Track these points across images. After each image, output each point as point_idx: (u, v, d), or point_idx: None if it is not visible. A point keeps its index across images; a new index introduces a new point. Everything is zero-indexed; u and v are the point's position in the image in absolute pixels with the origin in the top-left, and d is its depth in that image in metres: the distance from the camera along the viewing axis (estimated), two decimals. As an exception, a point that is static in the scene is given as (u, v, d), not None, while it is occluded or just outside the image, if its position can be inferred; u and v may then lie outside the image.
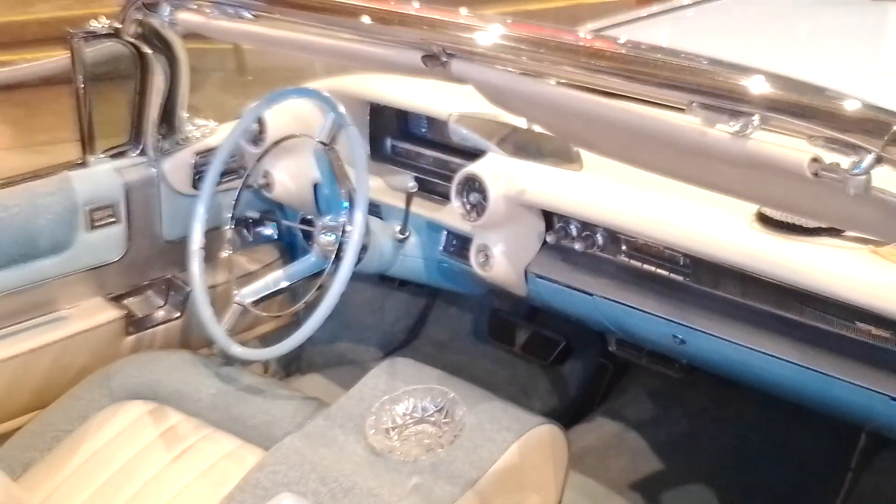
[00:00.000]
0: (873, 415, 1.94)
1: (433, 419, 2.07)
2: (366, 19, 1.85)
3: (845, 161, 1.32)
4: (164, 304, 2.60)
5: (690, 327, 2.15)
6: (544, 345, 2.64)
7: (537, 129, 2.34)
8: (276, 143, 2.46)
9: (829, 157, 1.35)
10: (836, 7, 3.39)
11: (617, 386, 2.57)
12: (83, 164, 2.48)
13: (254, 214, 2.60)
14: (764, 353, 2.04)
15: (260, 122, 2.49)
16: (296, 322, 2.44)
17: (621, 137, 1.80)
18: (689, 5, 3.39)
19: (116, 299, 2.52)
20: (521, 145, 2.35)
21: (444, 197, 2.42)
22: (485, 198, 2.29)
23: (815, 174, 1.34)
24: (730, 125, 1.40)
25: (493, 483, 1.96)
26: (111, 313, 2.46)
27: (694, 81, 1.46)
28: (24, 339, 2.37)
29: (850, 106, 1.35)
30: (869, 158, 1.29)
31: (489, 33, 1.73)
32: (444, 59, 1.76)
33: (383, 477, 1.96)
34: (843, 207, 1.50)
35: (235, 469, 2.07)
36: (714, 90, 1.45)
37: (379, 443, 2.02)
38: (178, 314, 2.59)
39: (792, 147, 1.39)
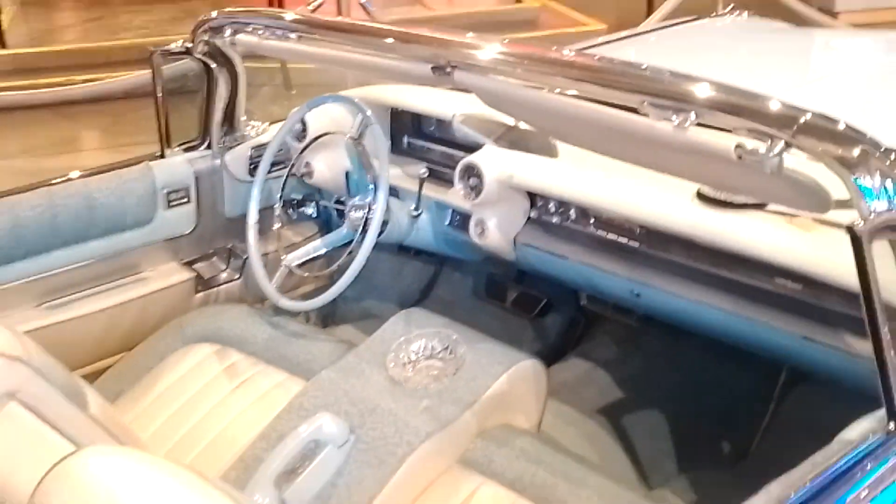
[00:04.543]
0: (790, 353, 1.95)
1: (440, 356, 2.09)
2: (388, 40, 1.89)
3: (763, 147, 1.36)
4: (226, 268, 2.60)
5: (644, 284, 2.17)
6: (529, 301, 2.66)
7: (523, 126, 2.35)
8: (315, 139, 2.48)
9: (751, 144, 1.39)
10: (769, 34, 3.35)
11: (588, 334, 2.57)
12: (161, 156, 2.49)
13: (297, 196, 2.60)
14: (703, 303, 2.06)
15: (302, 122, 2.50)
16: (331, 282, 2.42)
17: (589, 131, 1.83)
18: (650, 31, 3.47)
19: (188, 264, 2.53)
20: (511, 140, 2.37)
21: (449, 182, 2.43)
22: (481, 182, 2.31)
23: (740, 157, 1.38)
24: (672, 120, 1.44)
25: (487, 405, 1.98)
26: (184, 275, 2.48)
27: (645, 86, 1.50)
28: (115, 295, 2.38)
29: (767, 104, 1.40)
30: (781, 144, 1.33)
31: (487, 50, 1.75)
32: (449, 70, 1.78)
33: (400, 401, 1.99)
34: (763, 185, 1.54)
35: (283, 396, 2.10)
36: (660, 92, 1.49)
37: (397, 374, 2.05)
38: (238, 276, 2.59)
39: (721, 136, 1.44)
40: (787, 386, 1.41)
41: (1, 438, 1.46)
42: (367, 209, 2.41)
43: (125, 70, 5.70)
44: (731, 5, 3.63)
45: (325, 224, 2.61)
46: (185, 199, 2.48)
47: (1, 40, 7.03)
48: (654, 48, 3.11)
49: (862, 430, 1.35)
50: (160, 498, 1.21)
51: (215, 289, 2.56)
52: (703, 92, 1.46)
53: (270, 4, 7.70)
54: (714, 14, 3.59)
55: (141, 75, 5.46)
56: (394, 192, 2.53)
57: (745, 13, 3.52)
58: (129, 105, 5.28)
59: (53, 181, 2.32)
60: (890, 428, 1.34)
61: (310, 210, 2.63)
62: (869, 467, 1.31)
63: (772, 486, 1.26)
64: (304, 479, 1.81)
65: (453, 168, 2.41)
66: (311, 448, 1.84)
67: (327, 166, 2.51)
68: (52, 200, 2.29)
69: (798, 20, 5.82)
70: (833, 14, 7.38)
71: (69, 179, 2.33)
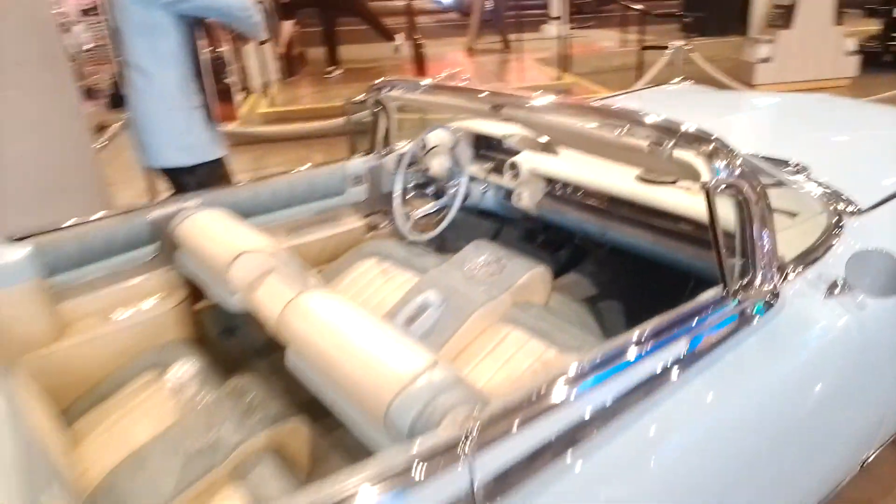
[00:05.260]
0: (692, 268, 1.90)
1: (492, 263, 2.09)
2: (478, 95, 1.86)
3: (662, 145, 1.40)
4: (383, 219, 2.55)
5: (608, 228, 2.15)
6: (548, 241, 2.62)
7: (541, 139, 2.33)
8: (431, 149, 2.48)
9: (657, 141, 1.42)
10: (703, 94, 3.29)
11: (581, 261, 2.52)
12: (344, 161, 2.47)
13: (420, 181, 2.58)
14: (640, 238, 2.05)
15: (424, 140, 2.48)
16: (435, 227, 2.45)
17: (576, 139, 1.79)
18: (633, 92, 3.39)
19: (363, 217, 2.53)
20: (535, 146, 2.37)
21: (501, 172, 2.45)
22: (519, 171, 2.34)
23: (650, 150, 1.41)
24: (617, 132, 1.48)
25: (516, 290, 1.97)
26: (360, 223, 2.49)
27: (604, 114, 1.54)
28: (324, 231, 2.38)
29: (665, 121, 1.41)
30: (672, 142, 1.38)
31: (519, 99, 1.75)
32: (501, 109, 1.80)
33: (469, 286, 1.99)
34: (664, 166, 1.52)
35: (410, 282, 2.11)
36: (611, 116, 1.51)
37: (467, 273, 2.06)
38: (389, 223, 2.53)
39: (641, 141, 1.45)
40: (693, 291, 1.44)
41: (265, 289, 1.56)
42: (457, 187, 2.44)
43: (334, 118, 5.85)
44: (683, 76, 3.65)
45: (435, 197, 2.58)
46: (361, 182, 2.50)
47: (273, 102, 7.26)
48: (635, 101, 3.03)
49: (709, 294, 1.35)
50: (352, 321, 1.30)
51: (376, 230, 2.53)
52: (632, 116, 1.48)
53: (417, 74, 7.79)
54: (672, 82, 3.60)
55: (335, 121, 5.67)
56: (472, 178, 2.54)
57: (690, 82, 3.54)
58: (337, 139, 5.42)
59: (295, 170, 2.35)
60: (723, 293, 1.34)
61: (426, 190, 2.61)
62: (710, 311, 1.31)
63: (650, 321, 1.25)
64: (418, 323, 1.86)
65: (503, 164, 2.42)
66: (422, 308, 1.91)
67: (437, 164, 2.50)
68: (293, 179, 2.31)
69: (725, 88, 5.71)
70: (752, 86, 7.13)
71: (302, 170, 2.36)
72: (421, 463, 0.90)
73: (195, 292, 2.08)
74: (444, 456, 0.92)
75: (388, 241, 2.43)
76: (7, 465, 1.06)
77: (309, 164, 2.41)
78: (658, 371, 1.18)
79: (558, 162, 2.33)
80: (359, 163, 2.48)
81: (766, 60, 7.22)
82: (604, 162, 1.90)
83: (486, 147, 2.59)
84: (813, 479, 1.54)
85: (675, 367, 1.20)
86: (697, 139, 1.38)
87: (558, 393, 1.04)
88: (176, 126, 2.47)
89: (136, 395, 1.76)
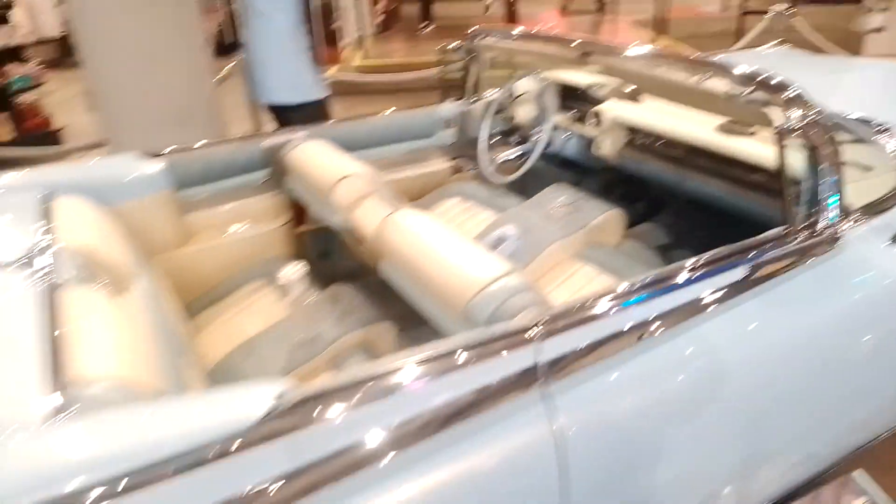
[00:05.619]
0: (767, 220, 1.79)
1: (569, 204, 2.16)
2: (567, 43, 1.91)
3: (741, 91, 1.47)
4: (472, 162, 2.52)
5: (685, 177, 2.17)
6: (626, 191, 2.59)
7: (625, 88, 2.35)
8: (518, 96, 2.52)
9: (734, 91, 1.49)
10: (799, 57, 3.23)
11: (656, 213, 2.51)
12: (437, 105, 2.57)
13: (504, 128, 2.61)
14: (714, 187, 2.07)
15: (511, 89, 2.50)
16: (517, 169, 2.48)
17: (661, 86, 1.86)
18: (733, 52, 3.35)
19: (450, 158, 2.57)
20: (620, 95, 2.38)
21: (584, 121, 2.47)
22: (601, 120, 2.35)
23: (730, 96, 1.47)
24: (700, 79, 1.55)
25: (590, 229, 2.05)
26: (447, 164, 2.54)
27: (693, 64, 1.60)
28: (414, 170, 2.46)
29: (745, 70, 1.47)
30: (750, 88, 1.44)
31: (607, 46, 1.81)
32: (589, 56, 1.85)
33: (546, 222, 2.07)
34: (740, 112, 1.58)
35: (491, 218, 2.19)
36: (696, 66, 1.58)
37: (546, 212, 2.13)
38: (470, 166, 2.53)
39: (722, 88, 1.51)
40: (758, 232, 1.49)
41: (364, 209, 1.69)
42: (541, 134, 2.47)
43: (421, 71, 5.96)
44: (780, 40, 3.58)
45: (517, 143, 2.60)
46: (450, 126, 2.53)
47: (366, 55, 7.48)
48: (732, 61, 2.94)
49: (773, 231, 1.40)
50: (439, 235, 1.42)
51: (460, 173, 2.57)
52: (715, 65, 1.53)
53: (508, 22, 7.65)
54: (768, 45, 3.53)
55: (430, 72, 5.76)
56: (555, 127, 2.57)
57: (787, 46, 3.46)
58: (427, 93, 5.37)
59: (391, 111, 2.44)
60: (785, 231, 1.40)
61: (510, 137, 2.62)
62: (770, 246, 1.36)
63: (712, 251, 1.30)
64: (496, 253, 1.89)
65: (586, 114, 2.45)
66: (500, 239, 1.97)
67: (524, 112, 2.53)
68: (389, 119, 2.41)
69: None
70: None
71: (397, 112, 2.45)
72: (494, 342, 1.03)
73: (298, 216, 2.28)
74: (514, 338, 1.04)
75: (471, 182, 2.48)
76: (150, 333, 1.23)
77: (397, 110, 2.47)
78: (709, 295, 1.23)
79: (641, 111, 2.34)
80: (449, 108, 2.55)
81: (878, 30, 6.79)
82: (685, 112, 1.94)
83: (570, 97, 2.60)
84: (850, 424, 1.52)
85: (728, 292, 1.25)
86: (776, 88, 1.43)
87: (609, 304, 1.13)
88: (287, 66, 2.68)
89: (247, 297, 1.99)
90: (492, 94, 2.57)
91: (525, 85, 2.53)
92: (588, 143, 2.48)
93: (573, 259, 1.98)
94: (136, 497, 0.77)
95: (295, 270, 1.65)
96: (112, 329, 1.14)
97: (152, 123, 2.95)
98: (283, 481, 0.84)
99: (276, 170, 2.19)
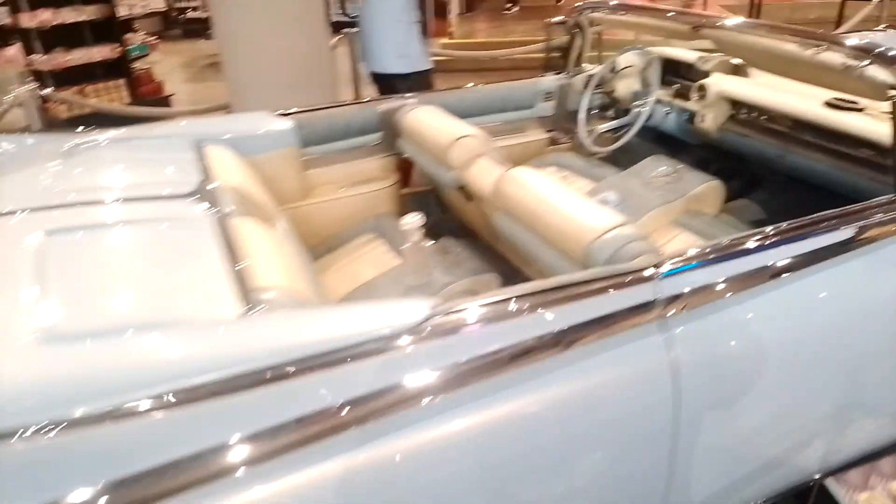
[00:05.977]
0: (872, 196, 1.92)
1: (670, 174, 2.20)
2: (676, 16, 1.96)
3: (855, 63, 1.50)
4: (566, 134, 2.61)
5: (788, 151, 2.17)
6: (724, 170, 2.55)
7: (733, 61, 2.33)
8: (620, 70, 2.55)
9: (849, 63, 1.52)
10: None
11: (754, 190, 2.49)
12: (539, 77, 2.58)
13: (604, 103, 2.62)
14: (818, 162, 2.07)
15: (615, 63, 2.52)
16: (614, 141, 2.53)
17: (770, 59, 1.83)
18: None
19: (547, 130, 2.62)
20: (724, 69, 2.38)
21: (686, 97, 2.50)
22: (706, 93, 2.36)
23: (845, 68, 1.51)
24: (813, 50, 1.59)
25: (690, 198, 2.09)
26: (544, 136, 2.60)
27: (807, 36, 1.62)
28: (506, 141, 2.45)
29: (860, 42, 1.51)
30: (866, 62, 1.48)
31: (723, 18, 1.83)
32: (700, 29, 1.87)
33: (646, 189, 2.12)
34: (853, 86, 1.59)
35: (587, 187, 2.23)
36: (810, 38, 1.61)
37: (647, 181, 2.17)
38: (572, 137, 2.61)
39: (835, 56, 1.54)
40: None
41: (478, 168, 1.82)
42: (642, 107, 2.51)
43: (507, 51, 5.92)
44: (885, 25, 3.47)
45: (614, 117, 2.64)
46: (550, 98, 2.61)
47: (451, 35, 7.56)
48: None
49: (882, 198, 1.41)
50: (554, 189, 1.51)
51: (557, 144, 2.62)
52: (830, 38, 1.56)
53: None
54: (875, 29, 3.44)
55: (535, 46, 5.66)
56: (658, 101, 2.61)
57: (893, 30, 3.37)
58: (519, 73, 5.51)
59: (495, 83, 2.50)
60: (893, 198, 1.41)
61: (606, 111, 2.64)
62: (876, 211, 1.37)
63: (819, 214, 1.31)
64: None
65: (689, 89, 2.48)
66: (604, 203, 1.84)
67: (624, 86, 2.56)
68: (492, 90, 2.47)
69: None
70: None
71: (500, 83, 2.49)
72: (616, 276, 1.13)
73: (404, 178, 2.43)
74: (634, 275, 1.14)
75: (567, 153, 2.54)
76: (298, 260, 1.41)
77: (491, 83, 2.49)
78: (818, 251, 1.27)
79: (747, 85, 2.34)
80: (551, 80, 2.61)
81: None
82: (792, 87, 1.95)
83: (672, 72, 2.62)
84: None
85: (836, 249, 1.29)
86: (892, 60, 1.46)
87: (728, 248, 1.22)
88: (397, 37, 2.83)
89: (359, 249, 2.14)
90: (593, 69, 2.61)
91: (628, 59, 2.56)
92: (687, 117, 2.51)
93: (672, 226, 2.02)
94: (320, 375, 0.93)
95: (414, 219, 1.79)
96: (274, 251, 1.32)
97: (272, 88, 3.16)
98: (440, 372, 0.97)
99: (388, 133, 2.33)
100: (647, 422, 1.12)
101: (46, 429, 0.79)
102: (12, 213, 1.31)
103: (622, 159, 2.56)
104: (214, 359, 0.90)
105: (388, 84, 2.99)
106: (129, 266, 1.16)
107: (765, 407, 1.24)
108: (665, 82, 2.63)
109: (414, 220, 1.80)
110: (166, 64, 7.47)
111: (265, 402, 0.89)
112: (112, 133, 1.81)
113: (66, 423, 0.81)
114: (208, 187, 1.49)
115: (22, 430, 0.79)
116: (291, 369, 0.92)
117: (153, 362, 0.90)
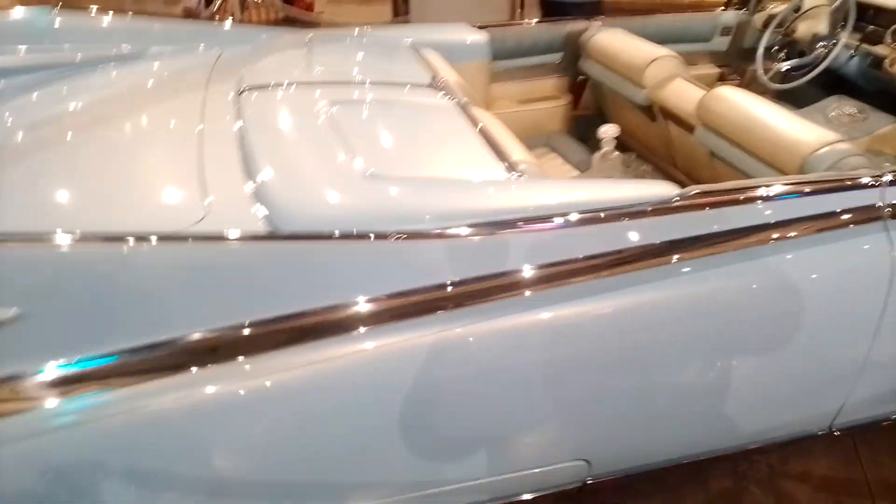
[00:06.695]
0: None
1: (856, 113, 2.16)
2: None
3: None
4: (734, 74, 2.57)
5: None
6: None
7: None
8: (807, 10, 2.36)
9: None
10: None
11: None
12: (720, 11, 2.54)
13: (784, 41, 2.44)
14: None
15: (801, 2, 2.35)
16: (797, 81, 2.36)
17: None
18: None
19: (718, 66, 2.61)
20: None
21: (873, 42, 2.34)
22: None
23: None
24: None
25: (876, 138, 2.07)
26: (714, 70, 2.60)
27: None
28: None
29: None
30: None
31: None
32: None
33: (830, 126, 1.98)
34: None
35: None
36: None
37: (830, 118, 2.13)
38: (735, 75, 2.53)
39: None
40: None
41: (673, 87, 1.89)
42: (825, 49, 2.37)
43: None
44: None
45: (789, 58, 2.48)
46: (728, 35, 2.56)
47: None
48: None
49: None
50: (764, 105, 1.54)
51: (724, 81, 2.55)
52: None
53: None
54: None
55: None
56: (845, 46, 2.44)
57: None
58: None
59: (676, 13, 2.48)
60: None
61: (782, 51, 2.46)
62: None
63: None
64: None
65: (876, 34, 2.34)
66: None
67: (805, 27, 2.41)
68: (671, 20, 2.43)
69: None
70: None
71: (679, 13, 2.48)
72: (844, 180, 1.23)
73: (576, 99, 2.54)
74: (858, 180, 1.24)
75: (739, 91, 2.48)
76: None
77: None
78: None
79: None
80: (730, 15, 2.59)
81: None
82: None
83: (861, 18, 2.50)
84: None
85: None
86: None
87: None
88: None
89: (538, 159, 2.30)
90: (774, 7, 2.55)
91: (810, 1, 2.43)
92: (874, 62, 2.41)
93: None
94: (586, 228, 1.10)
95: (611, 128, 1.91)
96: (508, 135, 1.48)
97: (452, 5, 3.28)
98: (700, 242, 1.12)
99: (568, 53, 2.43)
100: (859, 309, 1.23)
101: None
102: (279, 84, 1.52)
103: (793, 101, 2.48)
104: (499, 207, 1.09)
105: (559, 10, 3.05)
106: (407, 135, 1.36)
107: None
108: (855, 27, 2.47)
109: (609, 129, 1.91)
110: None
111: (552, 241, 1.08)
112: (335, 31, 2.02)
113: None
114: (440, 81, 1.65)
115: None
116: (571, 218, 1.08)
117: (455, 201, 1.11)
